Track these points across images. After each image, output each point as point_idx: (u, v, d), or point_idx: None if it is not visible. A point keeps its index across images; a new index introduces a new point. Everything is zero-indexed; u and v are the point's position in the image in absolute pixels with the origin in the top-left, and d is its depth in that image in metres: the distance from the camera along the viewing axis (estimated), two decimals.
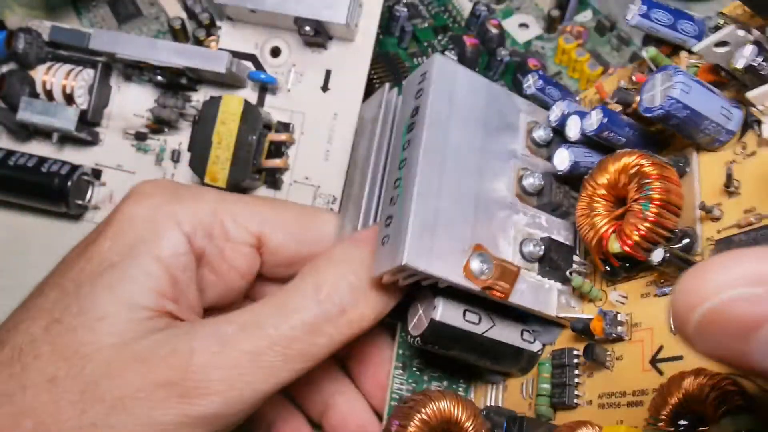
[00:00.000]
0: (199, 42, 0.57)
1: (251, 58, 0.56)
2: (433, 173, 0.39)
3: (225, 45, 0.56)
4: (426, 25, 0.62)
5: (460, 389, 0.47)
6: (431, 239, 0.38)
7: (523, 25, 0.64)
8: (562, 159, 0.41)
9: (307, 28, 0.52)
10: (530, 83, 0.46)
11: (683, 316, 0.20)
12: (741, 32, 0.34)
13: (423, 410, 0.37)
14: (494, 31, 0.60)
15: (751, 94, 0.33)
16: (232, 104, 0.51)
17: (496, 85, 0.45)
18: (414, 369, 0.46)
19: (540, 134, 0.44)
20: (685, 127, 0.35)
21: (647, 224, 0.35)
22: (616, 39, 0.62)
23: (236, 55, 0.55)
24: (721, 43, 0.36)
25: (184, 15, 0.60)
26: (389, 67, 0.59)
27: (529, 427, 0.38)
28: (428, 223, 0.38)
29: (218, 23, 0.57)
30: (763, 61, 0.32)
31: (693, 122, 0.35)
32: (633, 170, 0.36)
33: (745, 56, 0.33)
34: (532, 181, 0.43)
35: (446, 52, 0.59)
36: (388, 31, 0.60)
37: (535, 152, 0.45)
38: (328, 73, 0.54)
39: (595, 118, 0.39)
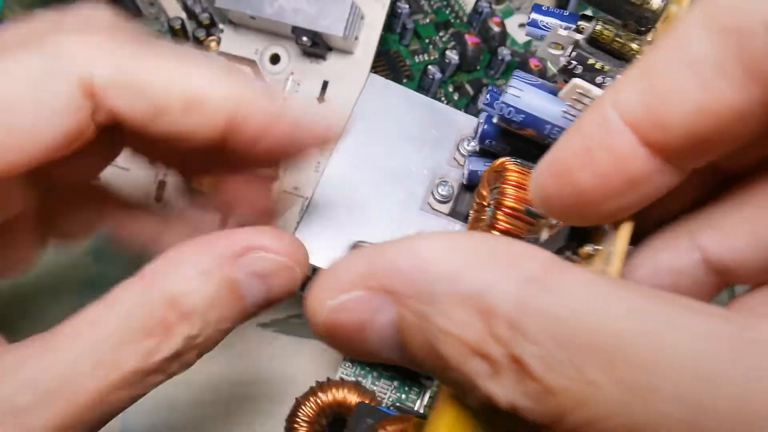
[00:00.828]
0: (199, 42, 0.58)
1: (251, 63, 0.56)
2: (339, 171, 0.48)
3: (226, 49, 0.57)
4: (428, 21, 0.62)
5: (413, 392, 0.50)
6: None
7: (523, 26, 0.64)
8: (463, 169, 0.46)
9: (305, 39, 0.52)
10: (481, 98, 0.48)
11: (313, 323, 0.22)
12: (564, 32, 0.34)
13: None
14: (496, 29, 0.60)
15: (561, 94, 0.33)
16: None
17: (437, 103, 0.52)
18: None
19: (465, 147, 0.49)
20: (532, 132, 0.36)
21: (494, 231, 0.35)
22: None
23: (236, 60, 0.56)
24: (554, 44, 0.35)
25: (183, 15, 0.60)
26: (390, 64, 0.60)
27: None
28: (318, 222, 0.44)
29: (220, 26, 0.57)
30: (577, 62, 0.31)
31: (534, 126, 0.35)
32: (493, 176, 0.37)
33: (564, 56, 0.33)
34: (442, 191, 0.48)
35: (447, 52, 0.58)
36: (390, 29, 0.60)
37: (461, 164, 0.50)
38: (325, 84, 0.55)
39: (480, 129, 0.41)
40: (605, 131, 0.22)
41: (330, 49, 0.55)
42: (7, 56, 0.27)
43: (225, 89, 0.29)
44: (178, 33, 0.59)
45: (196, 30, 0.58)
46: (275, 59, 0.56)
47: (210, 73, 0.29)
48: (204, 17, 0.58)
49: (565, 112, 0.34)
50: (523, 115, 0.35)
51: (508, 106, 0.35)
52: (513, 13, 0.65)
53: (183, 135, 0.29)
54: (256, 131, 0.29)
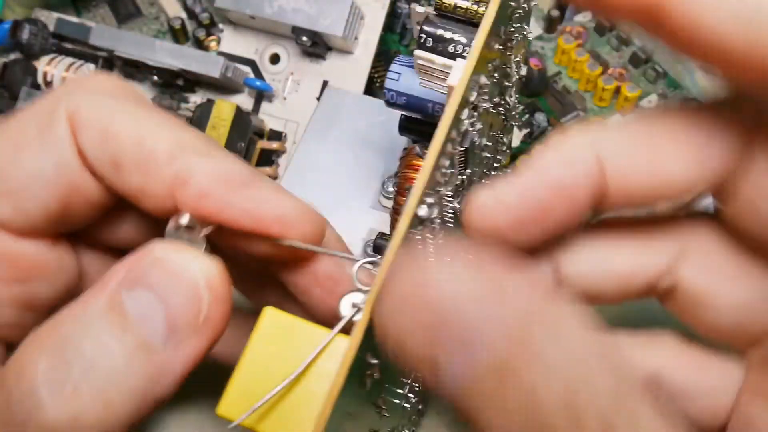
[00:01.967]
0: (199, 42, 0.58)
1: (250, 63, 0.56)
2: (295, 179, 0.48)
3: (226, 48, 0.57)
4: None
5: None
6: None
7: None
8: None
9: (304, 38, 0.52)
10: None
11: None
12: (421, 9, 0.33)
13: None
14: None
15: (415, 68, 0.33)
16: (224, 109, 0.52)
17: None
18: None
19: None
20: (419, 112, 0.35)
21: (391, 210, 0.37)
22: (616, 39, 0.61)
23: (236, 59, 0.56)
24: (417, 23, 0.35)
25: (184, 15, 0.60)
26: (390, 64, 0.60)
27: None
28: None
29: (220, 26, 0.57)
30: (426, 35, 0.31)
31: (418, 107, 0.35)
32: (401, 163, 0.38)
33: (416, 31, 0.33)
34: (388, 187, 0.49)
35: None
36: (390, 29, 0.60)
37: None
38: (324, 84, 0.55)
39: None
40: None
41: (330, 49, 0.55)
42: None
43: (172, 148, 0.26)
44: (178, 33, 0.59)
45: (196, 30, 0.58)
46: (275, 59, 0.56)
47: (170, 134, 0.26)
48: (204, 17, 0.58)
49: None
50: (404, 98, 0.34)
51: (389, 90, 0.35)
52: None
53: (136, 193, 0.27)
54: (199, 193, 0.25)
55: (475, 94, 0.25)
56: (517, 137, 0.56)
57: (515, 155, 0.55)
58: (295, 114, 0.56)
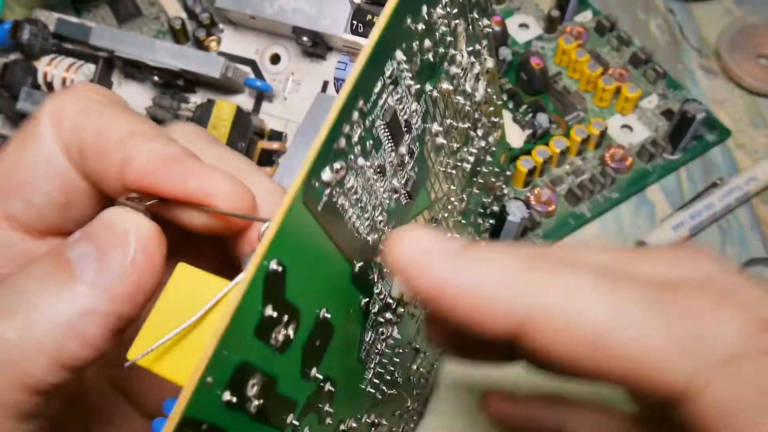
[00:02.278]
0: (199, 42, 0.58)
1: (251, 63, 0.56)
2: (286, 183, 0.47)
3: (226, 49, 0.57)
4: None
5: None
6: None
7: (523, 26, 0.64)
8: None
9: (305, 39, 0.52)
10: None
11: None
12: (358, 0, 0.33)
13: None
14: (497, 28, 0.60)
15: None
16: (224, 109, 0.52)
17: None
18: None
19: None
20: None
21: None
22: (616, 39, 0.62)
23: (236, 59, 0.56)
24: None
25: (184, 15, 0.60)
26: None
27: None
28: None
29: (221, 26, 0.57)
30: (356, 21, 0.32)
31: None
32: None
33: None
34: None
35: None
36: None
37: None
38: (325, 84, 0.55)
39: None
40: None
41: (330, 49, 0.55)
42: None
43: (123, 136, 0.28)
44: (178, 33, 0.59)
45: (197, 30, 0.58)
46: (275, 59, 0.56)
47: (125, 125, 0.28)
48: (204, 17, 0.58)
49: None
50: None
51: (338, 80, 0.35)
52: (513, 14, 0.65)
53: (97, 179, 0.29)
54: (139, 172, 0.27)
55: (390, 69, 0.26)
56: (520, 137, 0.56)
57: (517, 156, 0.56)
58: (295, 114, 0.55)
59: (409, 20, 0.27)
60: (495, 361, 0.31)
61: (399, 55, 0.26)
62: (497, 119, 0.43)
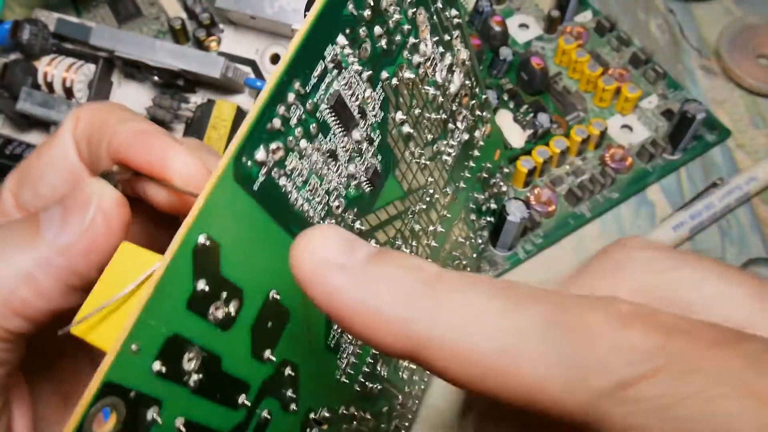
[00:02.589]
0: (199, 42, 0.58)
1: (251, 63, 0.56)
2: None
3: (226, 49, 0.57)
4: None
5: None
6: None
7: (523, 26, 0.64)
8: None
9: None
10: None
11: None
12: None
13: None
14: (497, 28, 0.60)
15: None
16: (224, 110, 0.52)
17: None
18: None
19: None
20: None
21: None
22: (616, 39, 0.62)
23: (236, 59, 0.56)
24: None
25: (184, 15, 0.60)
26: None
27: None
28: None
29: (221, 26, 0.57)
30: None
31: None
32: None
33: None
34: None
35: None
36: None
37: None
38: None
39: None
40: None
41: None
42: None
43: (116, 123, 0.31)
44: (178, 33, 0.59)
45: (197, 30, 0.58)
46: (275, 59, 0.56)
47: (121, 116, 0.31)
48: (204, 17, 0.58)
49: None
50: None
51: None
52: (513, 14, 0.65)
53: (98, 163, 0.31)
54: (117, 148, 0.30)
55: (331, 53, 0.26)
56: (521, 137, 0.56)
57: (517, 156, 0.56)
58: None
59: (350, 6, 0.27)
60: None
61: (341, 39, 0.27)
62: (484, 113, 0.43)
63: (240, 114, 0.52)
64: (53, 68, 0.55)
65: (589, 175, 0.57)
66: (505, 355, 0.20)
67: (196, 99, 0.56)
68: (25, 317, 0.27)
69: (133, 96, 0.57)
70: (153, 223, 0.33)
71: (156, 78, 0.54)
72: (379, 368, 0.38)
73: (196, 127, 0.52)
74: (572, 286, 0.26)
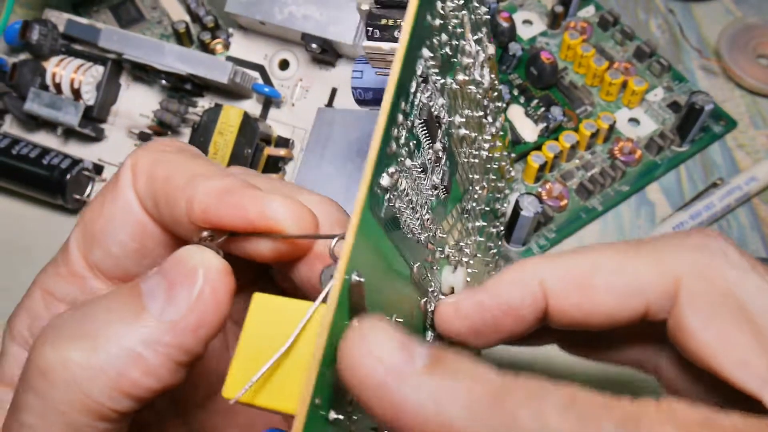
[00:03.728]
0: (204, 45, 0.58)
1: (259, 68, 0.56)
2: None
3: (235, 53, 0.57)
4: None
5: None
6: None
7: (527, 22, 0.65)
8: None
9: (314, 46, 0.52)
10: None
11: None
12: (366, 6, 0.34)
13: None
14: (505, 24, 0.60)
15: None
16: (231, 115, 0.52)
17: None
18: None
19: None
20: None
21: None
22: (620, 33, 0.62)
23: (245, 64, 0.56)
24: None
25: (187, 18, 0.60)
26: None
27: None
28: None
29: (230, 30, 0.57)
30: (373, 27, 0.32)
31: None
32: None
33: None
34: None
35: None
36: None
37: None
38: (333, 91, 0.55)
39: None
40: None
41: (339, 56, 0.55)
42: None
43: (187, 179, 0.30)
44: (182, 36, 0.59)
45: (201, 33, 0.58)
46: (284, 65, 0.56)
47: (189, 169, 0.30)
48: (208, 20, 0.58)
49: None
50: (371, 92, 0.35)
51: (356, 88, 0.35)
52: (516, 10, 0.66)
53: (172, 224, 0.31)
54: (201, 210, 0.29)
55: (420, 67, 0.26)
56: (534, 132, 0.57)
57: (530, 150, 0.56)
58: (303, 121, 0.55)
59: (429, 17, 0.27)
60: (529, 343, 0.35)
61: (426, 52, 0.27)
62: (499, 103, 0.44)
63: (247, 119, 0.52)
64: (62, 69, 0.55)
65: (599, 168, 0.57)
66: None
67: (204, 103, 0.56)
68: (133, 397, 0.26)
69: (140, 98, 0.57)
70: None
71: (164, 81, 0.54)
72: None
73: (202, 132, 0.52)
74: (648, 248, 0.29)
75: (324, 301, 0.22)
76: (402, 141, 0.25)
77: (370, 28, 0.31)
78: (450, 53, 0.30)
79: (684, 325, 0.27)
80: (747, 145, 0.60)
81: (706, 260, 0.28)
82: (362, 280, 0.22)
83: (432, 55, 0.27)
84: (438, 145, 0.29)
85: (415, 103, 0.26)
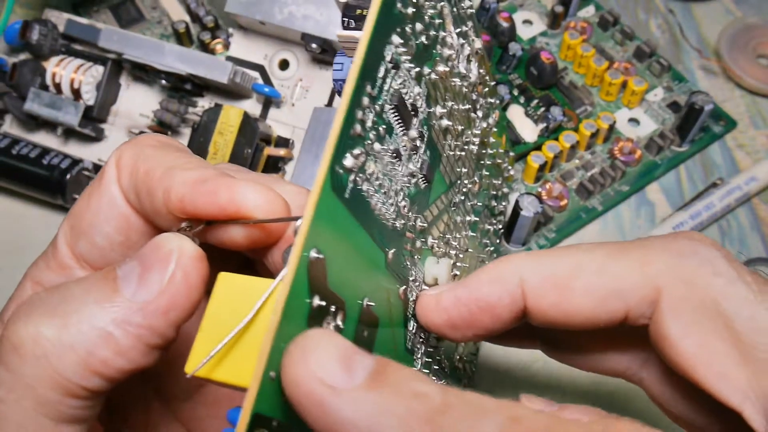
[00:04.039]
0: (204, 45, 0.58)
1: (259, 68, 0.56)
2: None
3: (235, 53, 0.57)
4: None
5: None
6: None
7: (527, 22, 0.65)
8: None
9: (314, 46, 0.52)
10: None
11: None
12: None
13: None
14: (505, 24, 0.60)
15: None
16: (231, 115, 0.52)
17: None
18: None
19: None
20: None
21: None
22: (620, 33, 0.62)
23: (245, 64, 0.56)
24: None
25: (187, 18, 0.60)
26: None
27: None
28: None
29: (230, 30, 0.57)
30: (348, 17, 0.32)
31: None
32: None
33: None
34: None
35: None
36: None
37: None
38: (334, 92, 0.55)
39: None
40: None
41: None
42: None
43: (164, 171, 0.30)
44: (182, 36, 0.59)
45: (201, 33, 0.58)
46: (284, 65, 0.56)
47: (168, 161, 0.31)
48: (208, 20, 0.58)
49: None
50: None
51: (337, 80, 0.35)
52: (516, 10, 0.66)
53: (153, 216, 0.31)
54: (177, 199, 0.29)
55: (390, 53, 0.27)
56: (534, 132, 0.57)
57: (530, 150, 0.56)
58: (302, 121, 0.55)
59: (399, 5, 0.27)
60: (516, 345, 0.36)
61: (395, 39, 0.27)
62: (492, 100, 0.44)
63: (247, 119, 0.52)
64: (62, 69, 0.55)
65: (599, 168, 0.57)
66: None
67: (204, 103, 0.56)
68: (103, 376, 0.26)
69: (140, 98, 0.57)
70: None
71: (164, 82, 0.54)
72: (444, 364, 0.38)
73: (202, 132, 0.52)
74: (632, 251, 0.29)
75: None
76: (369, 124, 0.25)
77: (346, 19, 0.31)
78: (427, 43, 0.31)
79: (664, 332, 0.27)
80: (747, 145, 0.60)
81: (692, 266, 0.28)
82: (321, 257, 0.22)
83: (403, 42, 0.27)
84: (414, 133, 0.29)
85: (385, 88, 0.26)
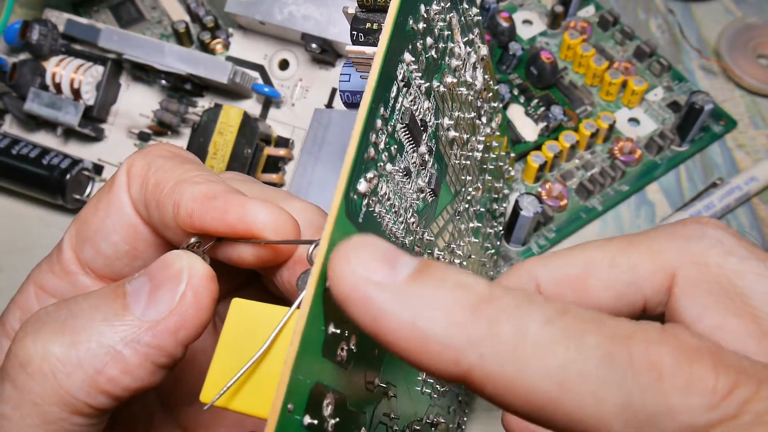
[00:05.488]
0: (204, 45, 0.58)
1: (259, 68, 0.56)
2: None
3: (235, 53, 0.57)
4: None
5: None
6: None
7: (527, 22, 0.65)
8: None
9: (314, 46, 0.52)
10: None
11: None
12: (352, 10, 0.34)
13: None
14: (505, 24, 0.60)
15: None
16: (231, 115, 0.52)
17: None
18: None
19: None
20: None
21: None
22: (620, 33, 0.62)
23: (245, 64, 0.56)
24: None
25: (187, 18, 0.60)
26: None
27: None
28: None
29: (230, 30, 0.57)
30: (357, 31, 0.32)
31: None
32: None
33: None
34: None
35: None
36: None
37: None
38: (333, 91, 0.55)
39: None
40: None
41: (339, 56, 0.55)
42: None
43: (174, 184, 0.30)
44: (182, 36, 0.59)
45: (201, 33, 0.58)
46: (284, 65, 0.56)
47: (177, 174, 0.31)
48: (208, 20, 0.58)
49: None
50: (358, 95, 0.35)
51: (344, 92, 0.35)
52: (516, 10, 0.66)
53: (161, 228, 0.31)
54: (186, 214, 0.29)
55: (402, 71, 0.26)
56: (534, 131, 0.57)
57: (530, 149, 0.56)
58: (302, 121, 0.55)
59: (411, 21, 0.27)
60: None
61: (407, 56, 0.27)
62: (495, 104, 0.43)
63: (247, 119, 0.52)
64: (62, 69, 0.55)
65: (599, 168, 0.57)
66: (565, 392, 0.19)
67: (204, 103, 0.56)
68: (110, 394, 0.26)
69: (140, 98, 0.57)
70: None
71: (163, 82, 0.54)
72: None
73: (202, 132, 0.52)
74: (642, 241, 0.29)
75: (300, 307, 0.22)
76: (381, 146, 0.25)
77: (355, 32, 0.31)
78: (436, 56, 0.30)
79: (681, 315, 0.27)
80: (747, 145, 0.60)
81: (702, 248, 0.27)
82: None
83: (414, 59, 0.27)
84: (423, 149, 0.29)
85: (396, 107, 0.26)
